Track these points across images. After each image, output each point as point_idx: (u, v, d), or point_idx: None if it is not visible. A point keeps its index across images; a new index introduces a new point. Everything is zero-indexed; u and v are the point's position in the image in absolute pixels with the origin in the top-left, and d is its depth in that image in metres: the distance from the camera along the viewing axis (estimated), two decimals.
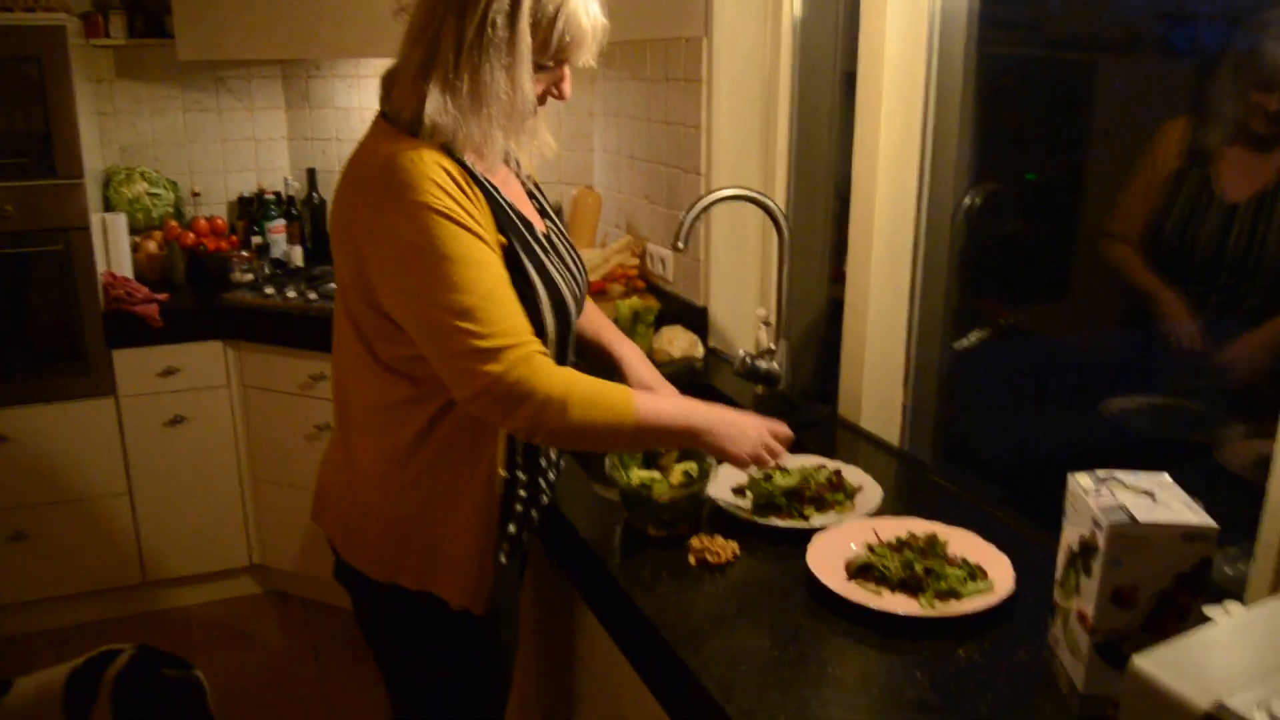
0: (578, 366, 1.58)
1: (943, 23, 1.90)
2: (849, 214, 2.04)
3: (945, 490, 1.74)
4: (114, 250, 3.06)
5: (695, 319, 2.57)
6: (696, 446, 1.47)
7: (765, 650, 1.26)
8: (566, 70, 1.40)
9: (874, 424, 2.05)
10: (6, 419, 2.88)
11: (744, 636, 1.30)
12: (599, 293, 2.79)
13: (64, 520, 3.00)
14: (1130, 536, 1.06)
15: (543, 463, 1.54)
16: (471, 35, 1.28)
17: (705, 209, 1.99)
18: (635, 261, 2.88)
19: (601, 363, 1.71)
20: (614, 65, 2.95)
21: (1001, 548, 1.46)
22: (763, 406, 2.09)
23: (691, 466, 1.64)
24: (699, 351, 2.47)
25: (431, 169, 1.29)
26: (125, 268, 3.08)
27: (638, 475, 1.61)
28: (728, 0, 2.36)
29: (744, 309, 2.55)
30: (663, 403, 1.45)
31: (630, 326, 2.43)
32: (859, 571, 1.40)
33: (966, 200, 2.14)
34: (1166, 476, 1.16)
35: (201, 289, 3.14)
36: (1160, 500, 1.10)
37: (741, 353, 2.08)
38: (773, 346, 2.09)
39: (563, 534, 1.63)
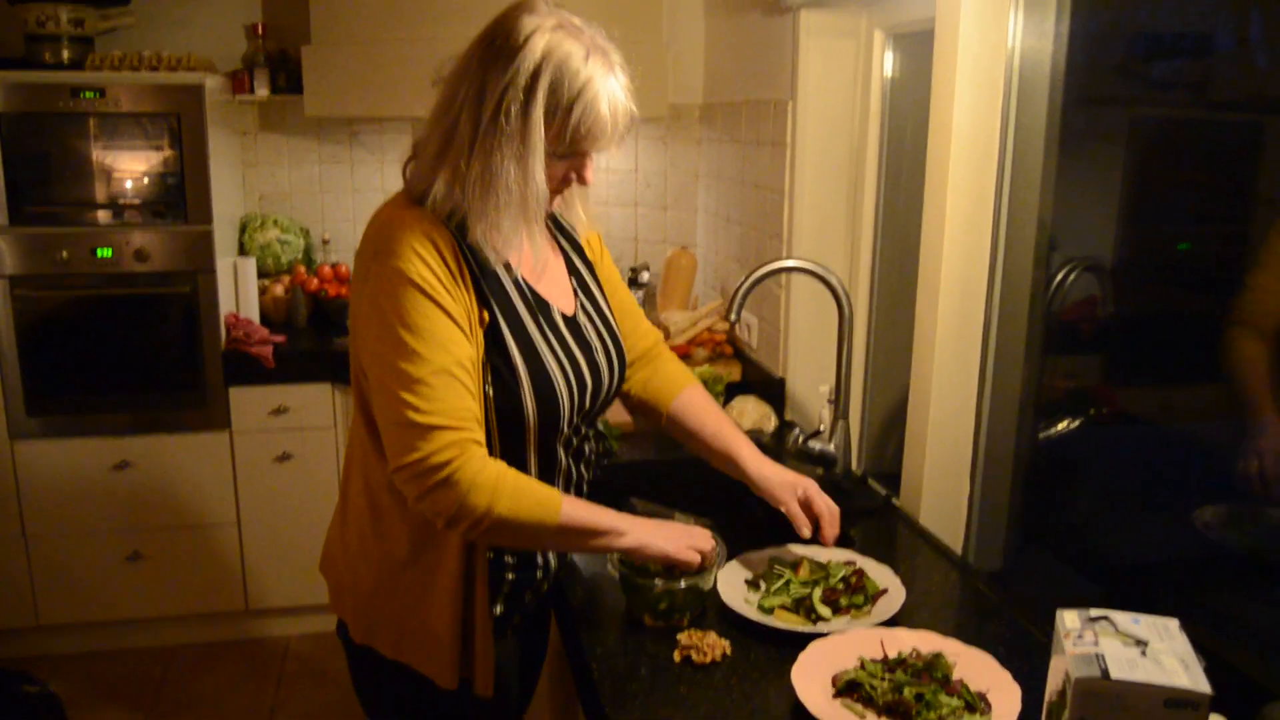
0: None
1: (1021, 87, 1.76)
2: None
3: (985, 600, 1.57)
4: (242, 292, 3.25)
5: (774, 390, 2.47)
6: (618, 549, 1.41)
7: None
8: (589, 158, 1.37)
9: (934, 516, 1.89)
10: (130, 446, 3.08)
11: None
12: (683, 356, 2.73)
13: (177, 544, 3.17)
14: (1100, 695, 0.90)
15: None
16: (486, 124, 1.27)
17: (758, 280, 1.91)
18: (725, 326, 2.80)
19: (727, 469, 1.62)
20: (715, 127, 2.90)
21: (1026, 674, 1.29)
22: None
23: None
24: (770, 425, 2.37)
25: (417, 237, 1.30)
26: (251, 310, 3.26)
27: None
28: (815, 61, 2.28)
29: (823, 383, 2.42)
30: (595, 509, 1.38)
31: None
32: (846, 689, 1.27)
33: (1060, 275, 1.97)
34: (1174, 624, 0.99)
35: (320, 333, 3.29)
36: (1151, 653, 0.94)
37: (796, 431, 1.97)
38: (823, 427, 1.97)
39: (560, 611, 1.57)
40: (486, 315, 1.35)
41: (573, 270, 1.54)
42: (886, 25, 2.20)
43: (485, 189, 1.28)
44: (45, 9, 3.00)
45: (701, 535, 1.45)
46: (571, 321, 1.47)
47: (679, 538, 1.42)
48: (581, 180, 1.39)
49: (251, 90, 3.33)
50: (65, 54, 3.04)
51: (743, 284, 1.90)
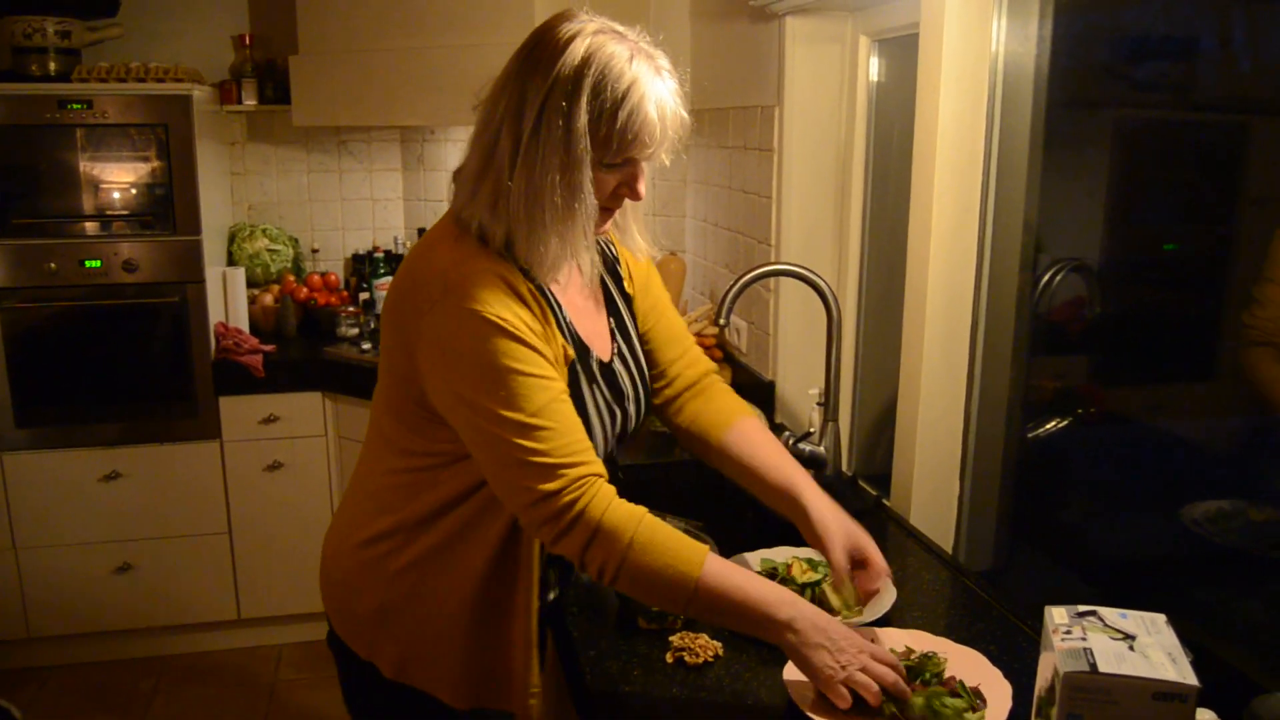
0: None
1: (1005, 90, 1.77)
2: None
3: (975, 599, 1.58)
4: (232, 302, 3.25)
5: (763, 394, 2.48)
6: (771, 640, 1.24)
7: None
8: (640, 169, 1.27)
9: (924, 517, 1.90)
10: (120, 457, 3.08)
11: None
12: None
13: (168, 554, 3.17)
14: (1088, 689, 0.91)
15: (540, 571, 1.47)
16: (527, 136, 1.20)
17: (746, 285, 1.92)
18: (714, 330, 2.81)
19: (784, 508, 1.45)
20: (703, 133, 2.92)
21: (1018, 671, 1.30)
22: None
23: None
24: None
25: (487, 278, 1.23)
26: (241, 319, 3.26)
27: None
28: (801, 67, 2.29)
29: (813, 386, 2.43)
30: (742, 576, 1.24)
31: None
32: None
33: (1046, 276, 1.98)
34: (1161, 618, 1.00)
35: (310, 341, 3.29)
36: (1139, 647, 0.95)
37: (786, 434, 1.98)
38: (813, 429, 1.98)
39: (554, 614, 1.57)
40: (571, 351, 1.31)
41: (612, 310, 1.47)
42: (872, 31, 2.22)
43: (530, 205, 1.21)
44: (32, 21, 3.00)
45: (881, 649, 1.23)
46: (606, 368, 1.41)
47: (851, 656, 1.20)
48: (634, 194, 1.29)
49: (239, 100, 3.34)
50: (52, 66, 3.04)
51: (731, 288, 1.91)
